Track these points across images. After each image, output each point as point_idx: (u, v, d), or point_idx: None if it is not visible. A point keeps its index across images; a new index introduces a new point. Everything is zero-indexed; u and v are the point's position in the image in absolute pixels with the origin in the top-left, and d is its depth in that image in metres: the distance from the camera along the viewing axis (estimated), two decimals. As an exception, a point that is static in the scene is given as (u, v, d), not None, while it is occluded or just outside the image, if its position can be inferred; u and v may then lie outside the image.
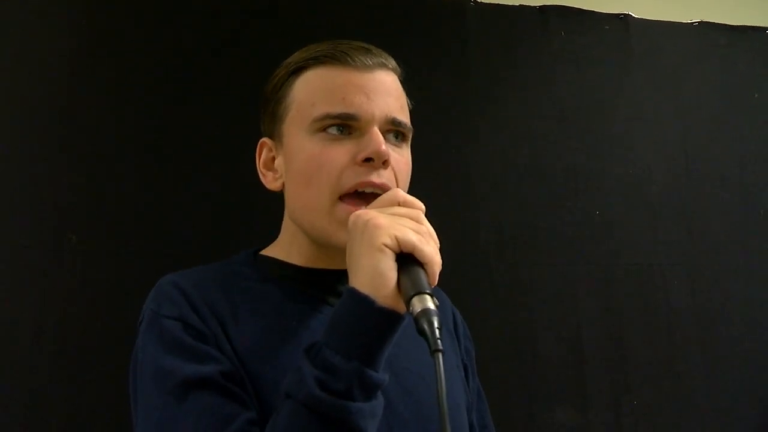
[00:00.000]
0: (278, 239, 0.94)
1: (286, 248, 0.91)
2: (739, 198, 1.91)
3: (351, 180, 0.81)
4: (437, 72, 1.74)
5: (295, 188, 0.86)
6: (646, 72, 1.91)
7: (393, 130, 0.85)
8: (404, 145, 0.87)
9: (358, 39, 0.90)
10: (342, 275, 0.79)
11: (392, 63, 0.89)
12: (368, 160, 0.80)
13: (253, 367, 0.77)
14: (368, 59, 0.85)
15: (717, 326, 1.82)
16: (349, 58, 0.84)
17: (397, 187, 0.83)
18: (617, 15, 1.92)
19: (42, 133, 1.47)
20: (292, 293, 0.86)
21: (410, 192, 0.84)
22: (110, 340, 1.39)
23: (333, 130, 0.82)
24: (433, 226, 0.74)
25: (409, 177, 0.87)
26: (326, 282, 0.88)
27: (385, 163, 0.81)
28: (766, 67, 2.02)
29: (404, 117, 0.86)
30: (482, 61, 1.78)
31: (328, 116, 0.82)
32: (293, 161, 0.85)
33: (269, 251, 0.93)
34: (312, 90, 0.85)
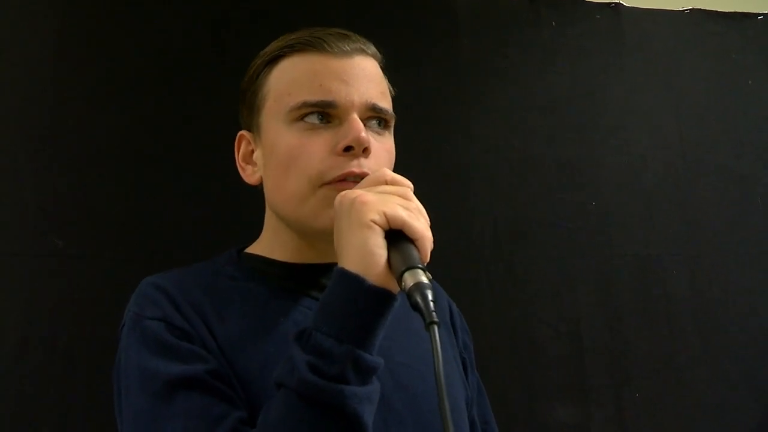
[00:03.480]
0: (261, 236, 0.91)
1: (269, 244, 0.88)
2: (735, 186, 1.89)
3: (331, 171, 0.78)
4: (428, 65, 1.71)
5: (275, 180, 0.83)
6: (639, 61, 1.89)
7: (374, 116, 0.82)
8: (386, 132, 0.84)
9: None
10: (327, 269, 0.77)
11: (371, 48, 0.86)
12: (348, 148, 0.78)
13: (239, 364, 0.75)
14: (346, 45, 0.82)
15: (717, 316, 1.80)
16: (326, 45, 0.81)
17: None
18: (608, 4, 1.90)
19: (26, 137, 1.44)
20: (277, 290, 0.84)
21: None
22: (99, 348, 1.35)
23: (311, 119, 0.80)
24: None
25: (392, 165, 0.84)
26: (311, 277, 0.85)
27: (366, 151, 0.78)
28: (760, 54, 2.00)
29: (385, 103, 0.84)
30: (473, 53, 1.76)
31: (305, 104, 0.79)
32: (272, 153, 0.83)
33: (253, 249, 0.91)
34: (288, 78, 0.82)
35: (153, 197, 1.48)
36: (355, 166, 0.78)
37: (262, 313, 0.81)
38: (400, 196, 0.71)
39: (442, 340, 0.88)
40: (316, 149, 0.79)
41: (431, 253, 0.69)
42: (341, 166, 0.78)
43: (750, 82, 1.97)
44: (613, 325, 1.72)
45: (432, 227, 0.71)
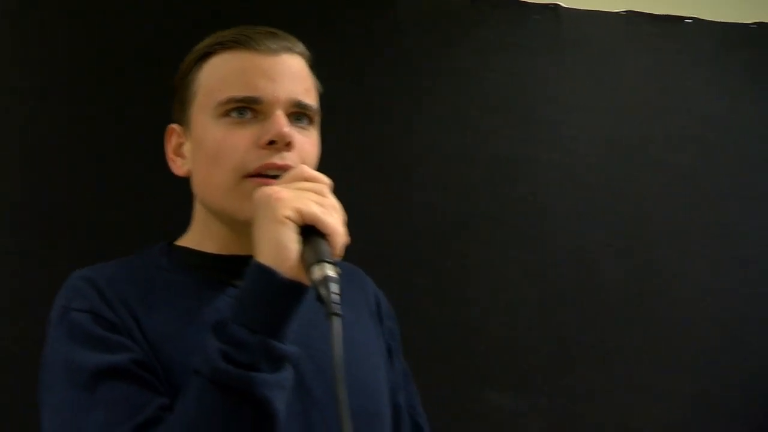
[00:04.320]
0: (191, 228, 0.94)
1: (199, 237, 0.91)
2: (669, 181, 1.95)
3: (254, 163, 0.81)
4: (369, 64, 1.74)
5: (203, 172, 0.87)
6: (577, 61, 1.95)
7: (298, 112, 0.86)
8: (311, 127, 0.88)
9: (288, 32, 0.90)
10: None
11: (299, 47, 0.90)
12: (271, 142, 0.81)
13: (164, 353, 0.77)
14: (273, 43, 0.86)
15: (652, 305, 1.86)
16: (254, 43, 0.85)
17: None
18: (547, 5, 1.95)
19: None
20: (206, 281, 0.87)
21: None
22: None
23: (237, 114, 0.83)
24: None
25: (317, 159, 0.88)
26: (238, 268, 0.86)
27: (289, 145, 0.82)
28: (691, 55, 2.06)
29: (310, 99, 0.87)
30: (414, 52, 1.79)
31: (231, 100, 0.83)
32: (200, 146, 0.86)
33: (183, 241, 0.93)
34: (217, 75, 0.86)
35: (93, 194, 1.47)
36: (278, 158, 0.81)
37: (189, 304, 0.83)
38: (315, 192, 0.74)
39: (368, 332, 0.93)
40: (240, 142, 0.82)
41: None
42: (264, 158, 0.81)
43: (688, 83, 2.03)
44: (550, 315, 1.77)
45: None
